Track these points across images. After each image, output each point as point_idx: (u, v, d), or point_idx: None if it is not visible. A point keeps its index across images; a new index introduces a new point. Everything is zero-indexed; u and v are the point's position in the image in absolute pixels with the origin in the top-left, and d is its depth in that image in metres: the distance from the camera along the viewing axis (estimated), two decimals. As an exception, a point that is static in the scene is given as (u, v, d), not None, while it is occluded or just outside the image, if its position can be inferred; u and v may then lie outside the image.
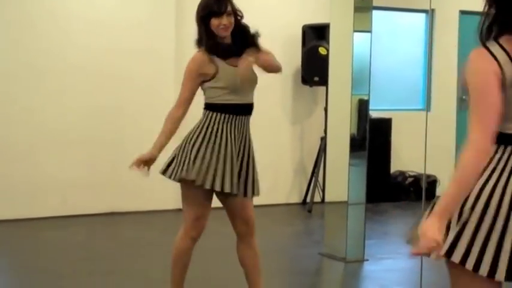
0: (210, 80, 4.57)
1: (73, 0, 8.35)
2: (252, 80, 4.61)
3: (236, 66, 4.50)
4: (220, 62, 4.54)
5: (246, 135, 4.60)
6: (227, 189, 4.46)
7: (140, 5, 8.66)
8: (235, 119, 4.55)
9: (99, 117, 8.43)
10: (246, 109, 4.61)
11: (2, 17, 8.03)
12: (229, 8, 4.57)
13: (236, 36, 4.59)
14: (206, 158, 4.49)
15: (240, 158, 4.54)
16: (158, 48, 8.66)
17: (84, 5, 8.37)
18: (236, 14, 4.61)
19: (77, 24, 8.32)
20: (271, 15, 9.05)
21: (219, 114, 4.57)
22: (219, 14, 4.53)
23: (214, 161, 4.48)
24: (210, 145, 4.52)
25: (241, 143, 4.57)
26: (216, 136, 4.54)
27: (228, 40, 4.58)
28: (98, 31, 8.39)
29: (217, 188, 4.45)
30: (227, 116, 4.55)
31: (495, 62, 2.70)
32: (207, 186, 4.47)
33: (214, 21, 4.54)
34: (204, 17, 4.59)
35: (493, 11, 2.79)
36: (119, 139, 8.53)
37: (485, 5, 2.82)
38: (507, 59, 2.71)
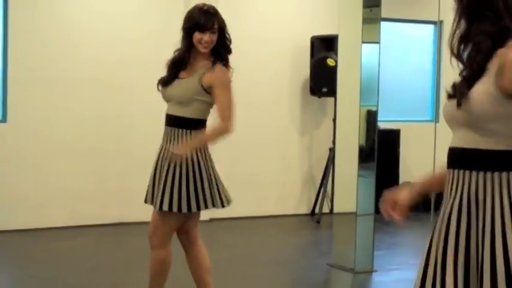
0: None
1: (83, 12, 8.39)
2: (177, 96, 4.68)
3: (183, 78, 4.68)
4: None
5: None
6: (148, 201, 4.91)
7: (150, 17, 8.69)
8: (169, 131, 4.74)
9: (108, 128, 8.45)
10: (173, 121, 4.69)
11: (13, 27, 8.06)
12: (215, 26, 4.56)
13: (215, 53, 4.64)
14: (203, 184, 4.68)
15: (165, 171, 4.74)
16: (163, 59, 8.66)
17: (94, 17, 8.41)
18: (224, 33, 4.63)
19: (87, 35, 8.36)
20: (280, 26, 9.07)
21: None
22: (203, 29, 4.55)
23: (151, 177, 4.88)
24: (206, 168, 4.68)
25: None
26: (208, 157, 4.69)
27: (205, 55, 4.63)
28: (108, 42, 8.43)
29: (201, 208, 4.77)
30: (165, 127, 4.78)
31: None
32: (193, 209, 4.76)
33: (196, 35, 4.59)
34: (188, 28, 4.63)
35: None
36: (127, 150, 8.55)
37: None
38: None
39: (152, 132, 8.65)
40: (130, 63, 8.51)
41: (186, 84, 4.63)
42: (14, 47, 8.08)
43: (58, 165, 8.26)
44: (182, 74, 4.70)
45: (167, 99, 4.74)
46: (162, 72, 9.03)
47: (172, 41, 8.68)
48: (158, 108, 8.66)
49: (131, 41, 8.54)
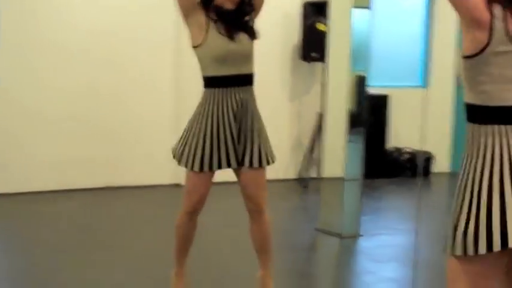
0: (198, 46, 4.42)
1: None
2: (244, 53, 4.46)
3: (227, 36, 4.37)
4: (211, 27, 4.38)
5: (244, 106, 4.45)
6: (214, 168, 4.37)
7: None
8: (228, 92, 4.42)
9: (95, 95, 8.41)
10: (240, 80, 4.46)
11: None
12: None
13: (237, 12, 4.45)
14: (193, 141, 4.39)
15: (237, 131, 4.40)
16: (157, 20, 8.64)
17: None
18: None
19: (77, 7, 8.29)
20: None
21: (209, 89, 4.45)
22: None
23: (201, 142, 4.37)
24: (198, 126, 4.41)
25: (239, 114, 4.42)
26: (205, 114, 4.42)
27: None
28: (99, 12, 8.35)
29: (205, 168, 4.36)
30: (217, 90, 4.43)
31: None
32: (196, 168, 4.38)
33: None
34: None
35: None
36: (115, 113, 8.53)
37: None
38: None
39: (139, 100, 8.67)
40: (120, 32, 8.44)
41: (245, 39, 4.47)
42: (6, 19, 7.99)
43: (45, 130, 8.22)
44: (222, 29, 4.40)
45: (228, 59, 4.40)
46: (154, 42, 9.00)
47: (162, 14, 8.69)
48: (146, 76, 8.69)
49: (123, 10, 8.47)
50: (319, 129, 8.54)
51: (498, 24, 2.61)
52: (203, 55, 4.46)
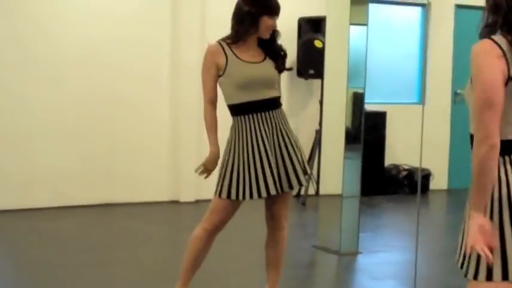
0: (221, 74, 4.49)
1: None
2: (267, 78, 4.53)
3: (249, 62, 4.47)
4: (231, 55, 4.47)
5: (279, 128, 4.52)
6: (255, 196, 4.44)
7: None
8: (259, 117, 4.48)
9: (94, 108, 8.41)
10: (267, 105, 4.51)
11: (1, 5, 8.00)
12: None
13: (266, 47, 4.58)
14: (233, 171, 4.45)
15: (275, 155, 4.48)
16: (154, 37, 8.66)
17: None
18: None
19: (73, 13, 8.31)
20: (267, 7, 9.02)
21: (239, 117, 4.50)
22: (274, 13, 4.49)
23: (238, 172, 4.44)
24: (236, 155, 4.46)
25: (275, 138, 4.49)
26: (240, 144, 4.46)
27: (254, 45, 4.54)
28: (94, 21, 8.38)
29: (246, 198, 4.44)
30: (247, 116, 4.48)
31: (503, 57, 2.70)
32: (233, 197, 4.46)
33: (267, 20, 4.47)
34: (256, 12, 4.44)
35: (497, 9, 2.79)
36: (114, 130, 8.53)
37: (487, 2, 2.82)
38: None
39: (139, 111, 8.67)
40: (117, 41, 8.47)
41: (270, 66, 4.56)
42: (1, 25, 8.01)
43: (44, 145, 8.22)
44: (242, 55, 4.50)
45: (250, 85, 4.48)
46: (150, 50, 9.03)
47: (158, 19, 8.71)
48: (144, 92, 8.69)
49: (118, 18, 8.50)
50: (317, 146, 8.54)
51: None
52: (225, 81, 4.51)
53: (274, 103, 4.55)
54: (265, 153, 4.43)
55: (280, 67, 4.63)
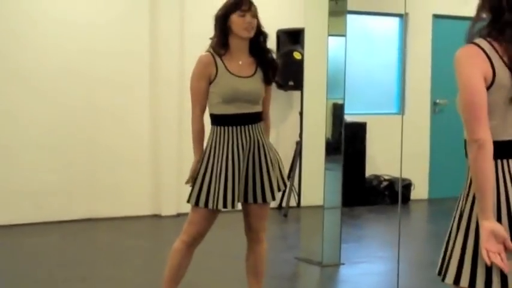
0: (210, 83, 4.49)
1: (48, 1, 8.30)
2: (254, 95, 4.53)
3: (238, 75, 4.46)
4: (221, 67, 4.47)
5: (256, 140, 4.52)
6: (220, 207, 4.42)
7: (113, 6, 8.62)
8: (238, 129, 4.49)
9: (74, 122, 8.38)
10: (248, 119, 4.53)
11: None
12: (253, 9, 4.50)
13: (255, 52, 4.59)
14: (204, 179, 4.45)
15: (245, 168, 4.47)
16: (133, 49, 8.65)
17: (57, 6, 8.32)
18: (259, 26, 4.58)
19: (53, 25, 8.28)
20: (246, 20, 9.03)
21: (219, 127, 4.50)
22: (240, 8, 4.44)
23: (209, 180, 4.44)
24: (210, 164, 4.46)
25: (251, 150, 4.50)
26: (216, 153, 4.46)
27: (245, 50, 4.54)
28: (73, 33, 8.36)
29: (210, 206, 4.42)
30: (226, 128, 4.49)
31: (487, 60, 2.73)
32: (201, 205, 4.45)
33: (237, 18, 4.45)
34: (223, 15, 4.46)
35: (484, 16, 2.81)
36: (95, 143, 8.50)
37: (478, 9, 2.83)
38: (497, 56, 2.74)
39: (120, 124, 8.65)
40: (95, 53, 8.46)
41: (258, 82, 4.58)
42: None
43: (24, 159, 8.18)
44: (232, 66, 4.50)
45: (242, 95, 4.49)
46: (130, 62, 9.03)
47: (136, 30, 8.70)
48: (123, 108, 8.68)
49: (96, 30, 8.48)
50: (298, 158, 8.55)
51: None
52: (213, 91, 4.51)
53: (255, 117, 4.56)
54: (238, 165, 4.44)
55: (270, 79, 4.62)
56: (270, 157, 4.55)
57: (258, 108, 4.58)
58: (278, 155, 4.67)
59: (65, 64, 8.30)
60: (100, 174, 8.57)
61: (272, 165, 4.55)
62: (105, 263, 6.78)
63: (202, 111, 4.53)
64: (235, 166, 4.44)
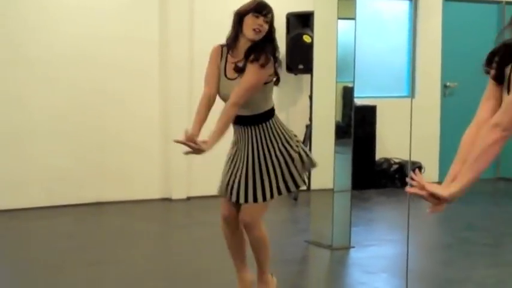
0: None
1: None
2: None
3: (227, 77, 4.59)
4: (223, 63, 4.62)
5: (248, 145, 4.66)
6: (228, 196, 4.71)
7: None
8: (238, 130, 4.70)
9: (84, 107, 8.39)
10: (244, 120, 4.65)
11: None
12: (269, 16, 4.58)
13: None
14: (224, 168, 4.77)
15: (239, 166, 4.68)
16: (143, 35, 8.64)
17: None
18: (271, 31, 4.66)
19: (63, 11, 8.28)
20: (256, 3, 9.01)
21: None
22: (257, 11, 4.53)
23: (224, 171, 4.76)
24: (228, 157, 4.77)
25: (246, 151, 4.67)
26: (231, 148, 4.77)
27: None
28: (84, 19, 8.35)
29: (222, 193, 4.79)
30: (237, 126, 4.70)
31: None
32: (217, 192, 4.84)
33: (248, 20, 4.53)
34: (240, 12, 4.55)
35: None
36: (105, 128, 8.51)
37: None
38: None
39: (129, 109, 8.65)
40: (106, 39, 8.45)
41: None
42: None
43: (34, 144, 8.20)
44: (229, 67, 4.64)
45: (222, 96, 4.71)
46: (140, 48, 9.04)
47: (146, 16, 8.70)
48: (135, 91, 8.68)
49: (106, 15, 8.48)
50: (308, 141, 8.54)
51: None
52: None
53: (247, 121, 4.67)
54: (235, 163, 4.71)
55: (243, 67, 4.57)
56: (259, 161, 4.67)
57: (246, 112, 4.62)
58: (291, 157, 4.88)
59: (75, 50, 8.31)
60: (110, 158, 8.59)
61: (254, 169, 4.66)
62: (116, 246, 6.80)
63: (207, 93, 4.62)
64: (232, 163, 4.71)
